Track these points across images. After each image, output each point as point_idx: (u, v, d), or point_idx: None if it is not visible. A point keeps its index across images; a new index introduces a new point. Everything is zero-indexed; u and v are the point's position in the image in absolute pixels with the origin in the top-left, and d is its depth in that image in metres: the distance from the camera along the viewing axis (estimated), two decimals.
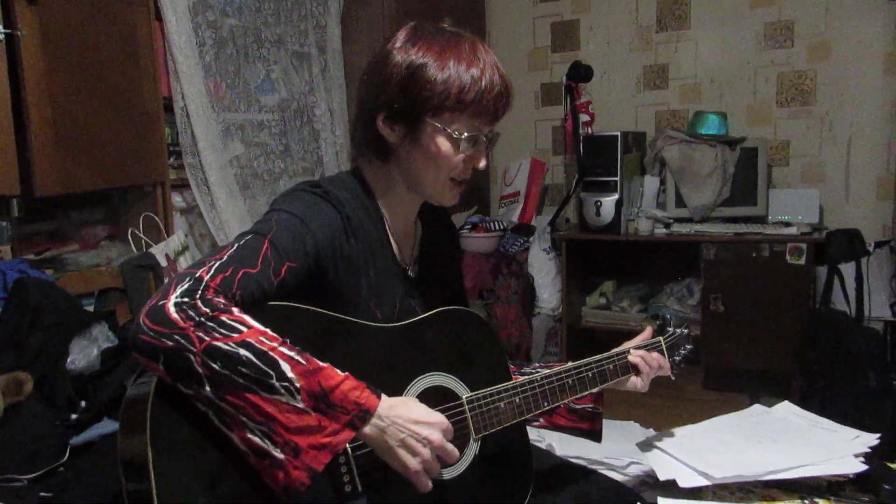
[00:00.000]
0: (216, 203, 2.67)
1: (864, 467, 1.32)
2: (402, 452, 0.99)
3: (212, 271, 0.97)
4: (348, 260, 1.14)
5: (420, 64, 1.11)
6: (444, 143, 1.14)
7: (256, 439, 0.91)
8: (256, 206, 2.84)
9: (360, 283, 1.17)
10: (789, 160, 3.71)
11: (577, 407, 1.41)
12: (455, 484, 1.16)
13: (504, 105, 1.16)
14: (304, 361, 0.93)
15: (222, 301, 0.94)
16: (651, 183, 3.60)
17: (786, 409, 1.67)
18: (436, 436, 1.01)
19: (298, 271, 1.06)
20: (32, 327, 1.70)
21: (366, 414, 0.96)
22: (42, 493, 1.50)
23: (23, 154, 1.95)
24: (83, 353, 1.75)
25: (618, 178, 3.47)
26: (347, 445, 0.99)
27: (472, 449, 1.19)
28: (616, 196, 3.47)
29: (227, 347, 0.90)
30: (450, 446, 1.03)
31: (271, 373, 0.91)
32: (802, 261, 3.12)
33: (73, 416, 1.68)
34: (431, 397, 1.16)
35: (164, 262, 2.33)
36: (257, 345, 0.91)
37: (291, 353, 0.93)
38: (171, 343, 0.89)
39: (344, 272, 1.14)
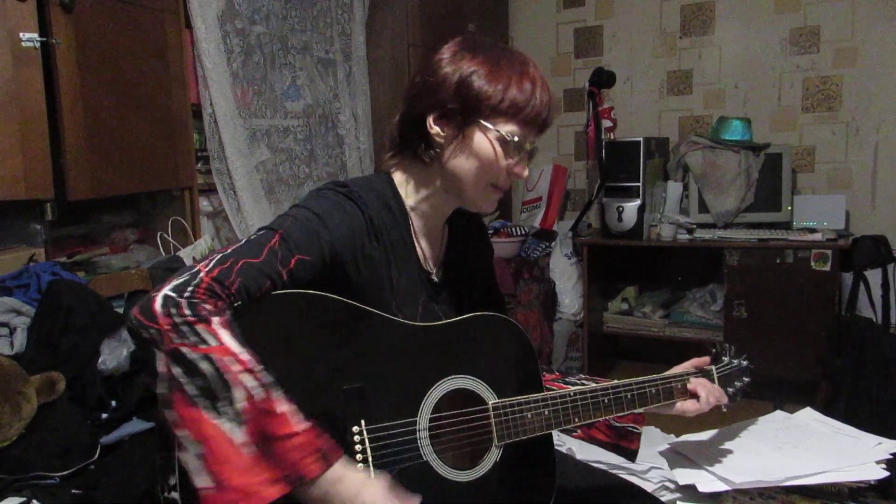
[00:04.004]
0: (242, 207, 2.71)
1: (886, 473, 1.32)
2: None
3: (211, 264, 0.98)
4: (370, 260, 1.14)
5: (475, 70, 1.13)
6: (494, 146, 1.15)
7: (188, 458, 0.89)
8: (281, 211, 2.83)
9: (383, 285, 1.17)
10: (815, 166, 3.68)
11: (618, 425, 1.39)
12: (474, 488, 1.13)
13: (550, 118, 1.18)
14: (263, 396, 0.90)
15: (208, 307, 0.93)
16: (674, 188, 3.59)
17: (807, 415, 1.67)
18: None
19: (312, 265, 1.06)
20: (65, 328, 1.73)
21: (298, 480, 0.90)
22: (73, 491, 1.53)
23: (56, 159, 1.99)
24: (113, 354, 1.77)
25: (640, 184, 3.47)
26: (364, 431, 1.02)
27: (494, 455, 1.18)
28: (638, 201, 3.47)
29: (191, 356, 0.90)
30: None
31: (222, 396, 0.89)
32: (827, 267, 3.10)
33: (104, 416, 1.70)
34: (456, 400, 1.16)
35: None
36: (218, 363, 0.90)
37: (253, 384, 0.90)
38: (146, 335, 0.92)
39: (367, 272, 1.14)
